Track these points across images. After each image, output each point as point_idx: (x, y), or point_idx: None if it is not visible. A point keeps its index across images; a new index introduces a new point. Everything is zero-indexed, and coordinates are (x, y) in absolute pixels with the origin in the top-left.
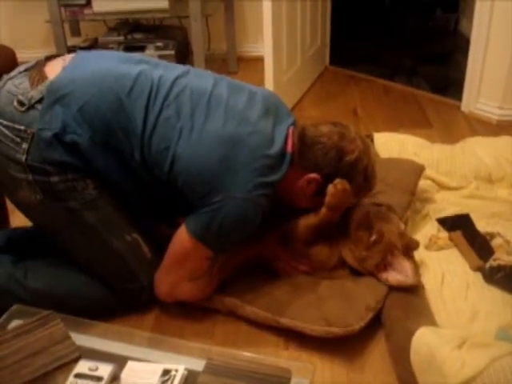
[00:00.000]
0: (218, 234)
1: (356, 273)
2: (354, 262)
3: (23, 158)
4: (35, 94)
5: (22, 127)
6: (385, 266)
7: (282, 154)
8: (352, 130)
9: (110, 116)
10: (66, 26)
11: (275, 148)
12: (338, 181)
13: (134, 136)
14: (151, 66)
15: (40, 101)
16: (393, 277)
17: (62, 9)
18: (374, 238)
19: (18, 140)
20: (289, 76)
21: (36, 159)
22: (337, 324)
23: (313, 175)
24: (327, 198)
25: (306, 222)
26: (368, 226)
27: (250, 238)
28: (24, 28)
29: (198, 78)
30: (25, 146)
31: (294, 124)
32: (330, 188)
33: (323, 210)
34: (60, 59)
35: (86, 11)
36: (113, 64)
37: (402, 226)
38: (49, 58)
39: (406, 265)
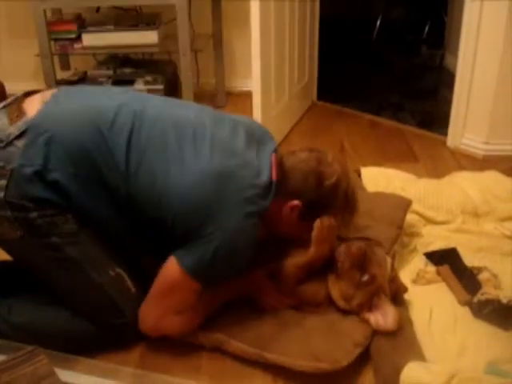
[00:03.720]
0: (210, 267)
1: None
2: (340, 299)
3: (2, 194)
4: (14, 130)
5: (1, 164)
6: (370, 307)
7: (269, 181)
8: (329, 154)
9: (93, 151)
10: (56, 60)
11: (263, 177)
12: (324, 217)
13: (118, 171)
14: (132, 98)
15: (18, 137)
16: (374, 318)
17: (52, 43)
18: (366, 278)
19: None
20: (277, 111)
21: (15, 195)
22: (324, 360)
23: (295, 202)
24: (314, 233)
25: (295, 261)
26: (362, 267)
27: (237, 273)
28: (14, 61)
29: (180, 109)
30: (3, 182)
31: (275, 150)
32: (317, 223)
33: (311, 248)
34: (39, 95)
35: (76, 45)
36: (94, 98)
37: (393, 272)
38: (28, 94)
39: (390, 310)
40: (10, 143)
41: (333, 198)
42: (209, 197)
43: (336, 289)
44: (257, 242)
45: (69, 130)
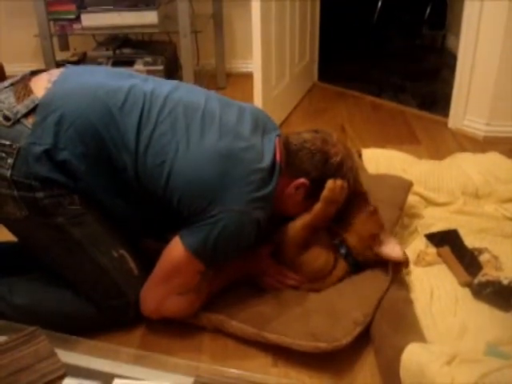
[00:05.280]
0: (214, 248)
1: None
2: (355, 235)
3: (8, 173)
4: (21, 108)
5: (8, 142)
6: (380, 241)
7: (273, 165)
8: (333, 135)
9: (103, 130)
10: (55, 40)
11: (266, 161)
12: (337, 179)
13: (127, 151)
14: (141, 80)
15: (26, 115)
16: (386, 252)
17: (51, 23)
18: (371, 208)
19: (3, 155)
20: (277, 92)
21: (21, 174)
22: (324, 339)
23: (301, 180)
24: (324, 192)
25: (302, 221)
26: (365, 199)
27: (240, 254)
28: (13, 42)
29: (190, 93)
30: (10, 161)
31: (279, 135)
32: (330, 183)
33: (318, 204)
34: (46, 74)
35: (75, 26)
36: (103, 78)
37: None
38: (34, 73)
39: (396, 244)
40: (17, 121)
41: (338, 176)
42: (215, 179)
43: (348, 226)
44: (262, 225)
45: (79, 110)
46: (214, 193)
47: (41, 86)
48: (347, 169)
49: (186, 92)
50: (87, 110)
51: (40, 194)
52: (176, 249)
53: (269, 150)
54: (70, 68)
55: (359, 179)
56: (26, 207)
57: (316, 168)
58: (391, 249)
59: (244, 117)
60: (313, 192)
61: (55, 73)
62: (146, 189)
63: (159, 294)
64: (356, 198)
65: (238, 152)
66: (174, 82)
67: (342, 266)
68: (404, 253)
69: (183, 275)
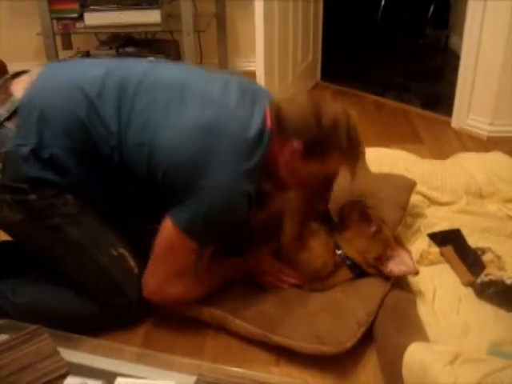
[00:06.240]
0: (205, 224)
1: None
2: (357, 255)
3: None
4: (3, 112)
5: None
6: (387, 258)
7: (261, 133)
8: (328, 96)
9: (85, 120)
10: (58, 39)
11: (252, 131)
12: None
13: (110, 136)
14: (118, 64)
15: (8, 118)
16: (396, 267)
17: (54, 22)
18: (374, 228)
19: None
20: (280, 91)
21: (12, 178)
22: (328, 342)
23: (294, 145)
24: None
25: (286, 219)
26: (367, 219)
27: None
28: (15, 40)
29: (167, 69)
30: None
31: (271, 102)
32: None
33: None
34: (26, 75)
35: (78, 24)
36: (80, 69)
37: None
38: (15, 75)
39: (405, 255)
40: (1, 126)
41: (333, 135)
42: (197, 152)
43: (350, 246)
44: (254, 197)
45: (59, 104)
46: (198, 168)
47: (20, 88)
48: (343, 129)
49: (163, 69)
50: (67, 103)
51: (32, 197)
52: (166, 227)
53: (257, 118)
54: (49, 65)
55: (361, 142)
56: (20, 210)
57: (309, 128)
58: (400, 262)
59: (229, 88)
60: (309, 156)
61: (35, 72)
62: (133, 172)
63: (157, 275)
64: (357, 219)
65: (221, 124)
66: (153, 61)
67: (344, 273)
68: (414, 263)
69: (177, 254)
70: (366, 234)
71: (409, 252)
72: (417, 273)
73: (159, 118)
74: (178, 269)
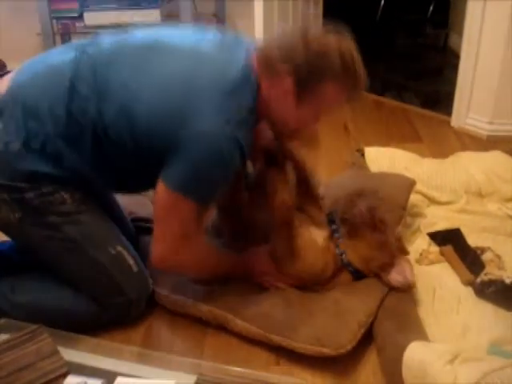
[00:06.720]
0: (196, 178)
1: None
2: (361, 263)
3: None
4: None
5: None
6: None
7: (244, 72)
8: (319, 26)
9: (67, 101)
10: (58, 39)
11: (233, 72)
12: None
13: (90, 112)
14: (88, 42)
15: None
16: (394, 278)
17: (54, 21)
18: (379, 237)
19: None
20: None
21: (7, 177)
22: (329, 344)
23: (285, 83)
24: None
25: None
26: (373, 227)
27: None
28: (15, 40)
29: (137, 33)
30: None
31: (256, 45)
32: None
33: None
34: (10, 74)
35: (78, 24)
36: (53, 55)
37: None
38: (1, 75)
39: (406, 266)
40: None
41: (325, 61)
42: (174, 103)
43: (355, 253)
44: (246, 143)
45: (40, 92)
46: (177, 118)
47: (3, 87)
48: (335, 52)
49: (134, 34)
50: (48, 90)
51: (30, 195)
52: (160, 190)
53: (239, 58)
54: (27, 61)
55: (360, 67)
56: (19, 209)
57: (297, 56)
58: (400, 272)
59: (205, 35)
60: (304, 91)
61: (16, 70)
62: (120, 145)
63: (162, 240)
64: (367, 226)
65: (196, 72)
66: (120, 33)
67: (345, 276)
68: (413, 277)
69: (176, 216)
70: (373, 243)
71: (410, 264)
72: (412, 287)
73: (131, 84)
74: (182, 231)
